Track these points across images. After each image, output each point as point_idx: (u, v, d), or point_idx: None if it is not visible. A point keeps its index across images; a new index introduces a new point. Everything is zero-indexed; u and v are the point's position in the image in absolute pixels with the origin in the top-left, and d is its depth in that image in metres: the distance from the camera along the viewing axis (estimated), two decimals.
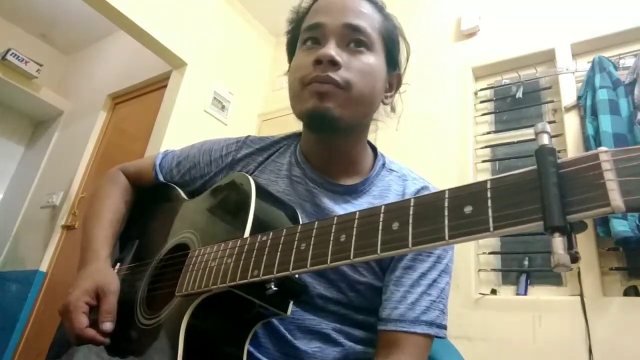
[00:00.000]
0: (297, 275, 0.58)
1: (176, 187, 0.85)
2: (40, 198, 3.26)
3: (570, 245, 0.29)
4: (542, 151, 0.32)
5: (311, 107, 0.67)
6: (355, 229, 0.41)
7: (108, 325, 0.62)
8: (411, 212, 0.37)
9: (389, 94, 0.79)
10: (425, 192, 0.73)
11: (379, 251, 0.38)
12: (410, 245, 0.36)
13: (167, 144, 2.53)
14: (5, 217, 3.46)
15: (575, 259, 0.29)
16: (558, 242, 0.29)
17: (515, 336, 1.65)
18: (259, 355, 0.63)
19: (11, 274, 3.07)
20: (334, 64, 0.66)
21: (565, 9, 2.16)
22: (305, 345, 0.65)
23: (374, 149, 0.83)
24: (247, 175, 0.66)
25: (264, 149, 0.83)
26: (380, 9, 0.77)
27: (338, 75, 0.66)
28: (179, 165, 0.87)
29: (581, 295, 1.62)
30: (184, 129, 2.63)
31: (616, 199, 0.28)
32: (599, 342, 1.52)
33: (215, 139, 0.88)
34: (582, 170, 0.30)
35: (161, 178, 0.88)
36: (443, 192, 0.36)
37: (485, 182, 0.35)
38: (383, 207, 0.40)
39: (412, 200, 0.38)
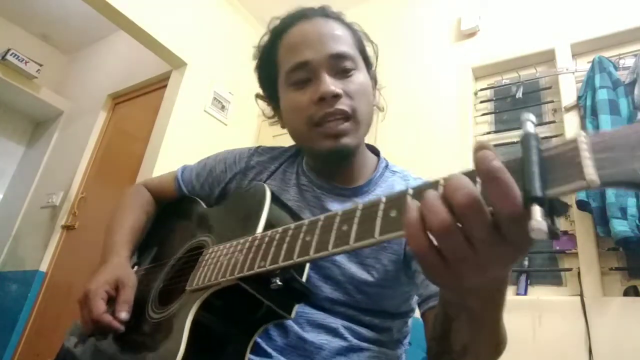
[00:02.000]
0: (304, 279, 0.59)
1: (197, 199, 0.87)
2: (40, 198, 3.26)
3: (552, 222, 0.32)
4: (527, 137, 0.35)
5: (329, 148, 0.70)
6: (357, 219, 0.43)
7: (124, 315, 0.65)
8: (409, 200, 0.39)
9: (375, 89, 0.82)
10: None
11: (376, 235, 0.40)
12: (405, 233, 0.38)
13: (167, 144, 2.53)
14: (5, 217, 3.46)
15: (556, 234, 0.31)
16: (536, 210, 0.31)
17: (515, 336, 1.64)
18: (265, 346, 0.65)
19: (11, 274, 3.07)
20: (336, 96, 0.69)
21: (565, 9, 2.16)
22: (314, 337, 0.66)
23: (376, 152, 0.85)
24: (263, 183, 0.69)
25: (275, 158, 0.87)
26: (344, 21, 0.79)
27: (344, 105, 0.70)
28: (198, 177, 0.91)
29: (581, 295, 1.62)
30: (184, 129, 2.63)
31: (591, 173, 0.30)
32: (599, 342, 1.52)
33: (230, 149, 0.92)
34: (562, 153, 0.33)
35: (184, 189, 0.91)
36: (438, 180, 0.39)
37: (474, 171, 0.37)
38: (384, 197, 0.42)
39: (411, 189, 0.40)
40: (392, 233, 0.39)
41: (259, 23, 3.27)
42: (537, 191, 0.31)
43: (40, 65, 3.48)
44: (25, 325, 2.75)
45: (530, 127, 0.35)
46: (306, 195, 0.78)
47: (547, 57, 2.16)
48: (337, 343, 0.67)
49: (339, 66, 0.72)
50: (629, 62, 1.87)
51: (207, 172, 0.90)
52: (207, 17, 2.94)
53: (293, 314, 0.59)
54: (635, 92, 1.73)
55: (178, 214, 0.89)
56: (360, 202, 0.74)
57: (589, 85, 1.86)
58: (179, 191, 0.91)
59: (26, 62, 3.40)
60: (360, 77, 0.74)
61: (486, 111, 2.28)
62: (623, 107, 1.73)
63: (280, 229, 0.52)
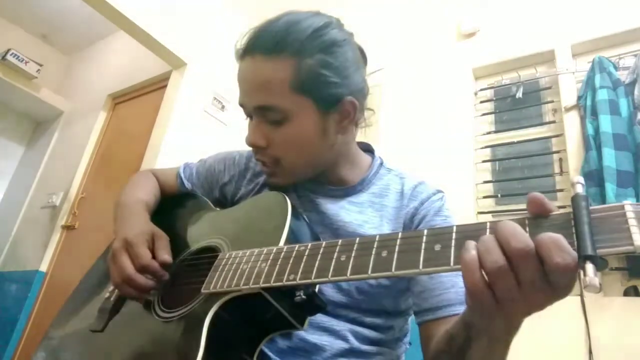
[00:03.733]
0: (319, 290, 0.59)
1: (204, 197, 0.87)
2: (40, 198, 3.26)
3: (595, 275, 0.35)
4: (577, 198, 0.38)
5: (266, 182, 0.76)
6: (397, 247, 0.45)
7: (167, 257, 0.66)
8: (454, 237, 0.42)
9: (344, 122, 0.71)
10: (422, 187, 0.77)
11: (420, 267, 0.42)
12: (452, 264, 0.41)
13: (167, 144, 2.53)
14: (5, 217, 3.46)
15: (601, 289, 0.34)
16: (590, 268, 0.35)
17: (515, 336, 1.65)
18: (267, 351, 0.65)
19: (11, 274, 3.07)
20: (256, 146, 0.71)
21: (565, 9, 2.17)
22: (316, 339, 0.67)
23: (371, 150, 0.85)
24: (282, 193, 0.68)
25: None
26: (293, 47, 0.65)
27: (267, 156, 0.72)
28: (198, 175, 0.91)
29: (581, 295, 1.62)
30: (184, 129, 2.63)
31: (638, 239, 0.34)
32: (599, 342, 1.52)
33: (231, 150, 0.93)
34: (610, 217, 0.36)
35: (186, 185, 0.92)
36: (485, 223, 0.41)
37: (523, 219, 0.40)
38: (426, 230, 0.44)
39: (455, 227, 0.43)
40: (437, 267, 0.41)
41: (258, 23, 3.26)
42: (591, 250, 0.35)
43: (40, 65, 3.48)
44: (25, 325, 2.75)
45: (580, 189, 0.39)
46: (303, 201, 0.78)
47: (547, 57, 2.16)
48: (339, 345, 0.67)
49: (265, 117, 0.69)
50: (629, 62, 1.88)
51: (206, 170, 0.91)
52: (207, 17, 2.94)
53: (305, 326, 0.59)
54: (635, 92, 1.73)
55: (185, 209, 0.88)
56: (357, 207, 0.74)
57: (589, 85, 1.86)
58: (181, 187, 0.92)
59: (26, 62, 3.39)
60: (289, 129, 0.67)
61: (486, 111, 2.29)
62: (623, 107, 1.73)
63: (309, 245, 0.52)
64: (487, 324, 0.45)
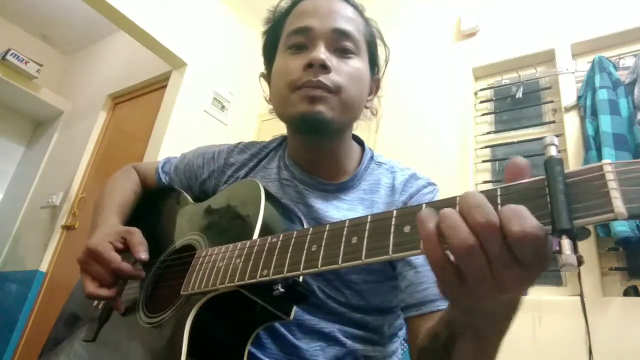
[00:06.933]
0: (303, 280, 0.58)
1: (183, 192, 0.86)
2: (40, 198, 3.26)
3: (575, 250, 0.31)
4: (551, 162, 0.34)
5: (303, 111, 0.67)
6: (367, 232, 0.42)
7: (144, 255, 0.64)
8: (423, 209, 0.38)
9: (369, 98, 0.80)
10: (413, 181, 0.75)
11: (390, 252, 0.39)
12: (421, 247, 0.37)
13: (167, 144, 2.53)
14: (5, 217, 3.46)
15: (580, 262, 0.31)
16: (566, 244, 0.31)
17: (515, 336, 1.64)
18: (262, 356, 0.64)
19: (11, 274, 3.07)
20: (325, 67, 0.67)
21: (565, 9, 2.16)
22: (307, 344, 0.65)
23: (361, 142, 0.83)
24: (256, 181, 0.66)
25: (255, 155, 0.85)
26: (362, 13, 0.79)
27: (329, 80, 0.67)
28: (177, 170, 0.90)
29: (581, 295, 1.62)
30: (184, 129, 2.63)
31: (619, 206, 0.30)
32: (599, 342, 1.52)
33: (211, 145, 0.91)
34: (587, 180, 0.32)
35: (164, 181, 0.90)
36: (455, 198, 0.37)
37: (495, 189, 0.36)
38: (395, 211, 0.41)
39: (424, 205, 0.39)
40: (407, 251, 0.38)
41: (259, 23, 3.27)
42: (567, 223, 0.31)
43: (40, 65, 3.48)
44: (25, 325, 2.75)
45: (553, 151, 0.34)
46: (288, 191, 0.76)
47: (547, 57, 2.16)
48: (331, 349, 0.66)
49: (339, 43, 0.70)
50: (629, 62, 1.87)
51: (185, 165, 0.89)
52: (207, 18, 2.94)
53: (292, 316, 0.58)
54: (635, 92, 1.73)
55: (164, 205, 0.86)
56: (347, 205, 0.73)
57: (589, 85, 1.85)
58: (159, 182, 0.91)
59: (26, 62, 3.39)
60: (357, 63, 0.72)
61: (486, 111, 2.28)
62: (623, 107, 1.73)
63: (281, 236, 0.51)
64: (469, 319, 0.43)
